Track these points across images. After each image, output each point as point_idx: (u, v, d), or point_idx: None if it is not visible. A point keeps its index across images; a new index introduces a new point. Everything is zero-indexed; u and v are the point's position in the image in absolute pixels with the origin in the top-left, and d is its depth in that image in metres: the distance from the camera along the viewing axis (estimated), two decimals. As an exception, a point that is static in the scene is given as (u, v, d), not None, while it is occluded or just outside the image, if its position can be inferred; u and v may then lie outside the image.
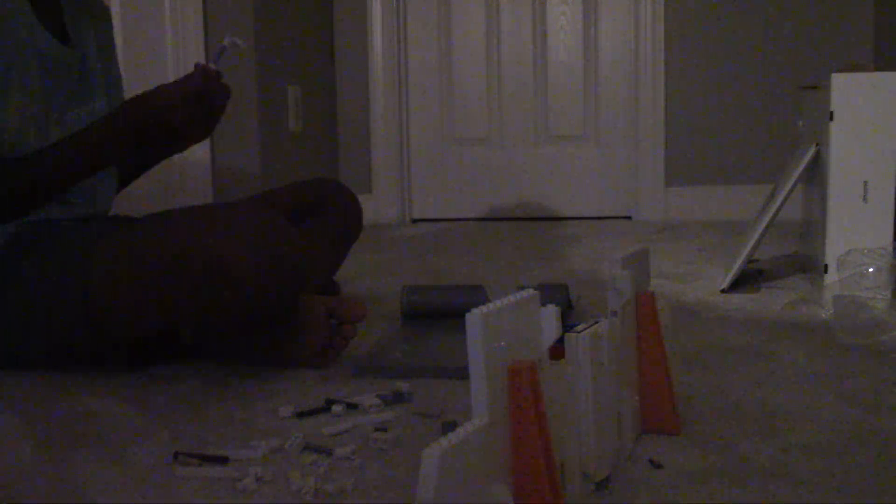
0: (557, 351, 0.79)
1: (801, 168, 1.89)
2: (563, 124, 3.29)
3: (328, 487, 0.87)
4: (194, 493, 0.87)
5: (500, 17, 3.29)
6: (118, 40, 1.99)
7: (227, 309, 1.19)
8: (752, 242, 1.85)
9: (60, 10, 1.42)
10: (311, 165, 3.04)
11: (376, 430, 1.02)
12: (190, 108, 1.29)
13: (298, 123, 2.91)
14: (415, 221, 3.35)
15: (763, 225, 1.87)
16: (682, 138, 3.18)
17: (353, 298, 1.59)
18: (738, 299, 1.76)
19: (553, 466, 0.69)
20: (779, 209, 1.87)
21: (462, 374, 1.12)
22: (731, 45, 3.13)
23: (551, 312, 0.73)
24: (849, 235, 1.77)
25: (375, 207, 3.26)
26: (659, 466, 0.91)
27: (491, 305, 0.66)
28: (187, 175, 2.56)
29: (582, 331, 0.83)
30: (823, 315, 1.58)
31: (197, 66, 1.30)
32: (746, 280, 1.93)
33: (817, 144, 1.88)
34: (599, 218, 3.27)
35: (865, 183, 1.78)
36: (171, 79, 1.51)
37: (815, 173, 1.92)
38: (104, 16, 1.54)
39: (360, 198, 1.80)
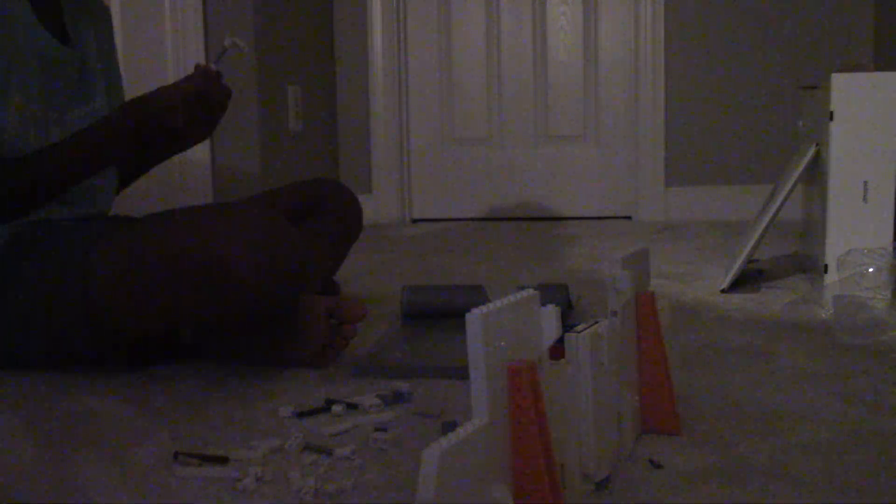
0: (557, 351, 0.79)
1: (801, 168, 1.89)
2: (563, 124, 3.29)
3: (328, 487, 0.87)
4: (194, 494, 0.87)
5: (500, 17, 3.29)
6: (118, 40, 1.99)
7: (227, 309, 1.19)
8: (752, 242, 1.85)
9: (60, 10, 1.43)
10: (311, 165, 3.04)
11: (376, 430, 1.02)
12: (190, 109, 1.29)
13: (298, 123, 2.91)
14: (415, 221, 3.35)
15: (763, 225, 1.86)
16: (682, 138, 3.18)
17: (353, 298, 1.59)
18: (738, 299, 1.76)
19: (553, 466, 0.69)
20: (779, 209, 1.87)
21: (462, 374, 1.12)
22: (731, 45, 3.13)
23: (551, 312, 0.73)
24: (849, 235, 1.77)
25: (375, 207, 3.26)
26: (659, 466, 0.91)
27: (491, 305, 0.66)
28: (187, 175, 2.56)
29: (582, 331, 0.83)
30: (823, 315, 1.58)
31: (197, 66, 1.30)
32: (746, 280, 1.92)
33: (817, 144, 1.88)
34: (599, 218, 3.27)
35: (865, 183, 1.78)
36: (172, 79, 1.52)
37: (815, 173, 1.92)
38: (104, 16, 1.55)
39: (360, 198, 1.80)
